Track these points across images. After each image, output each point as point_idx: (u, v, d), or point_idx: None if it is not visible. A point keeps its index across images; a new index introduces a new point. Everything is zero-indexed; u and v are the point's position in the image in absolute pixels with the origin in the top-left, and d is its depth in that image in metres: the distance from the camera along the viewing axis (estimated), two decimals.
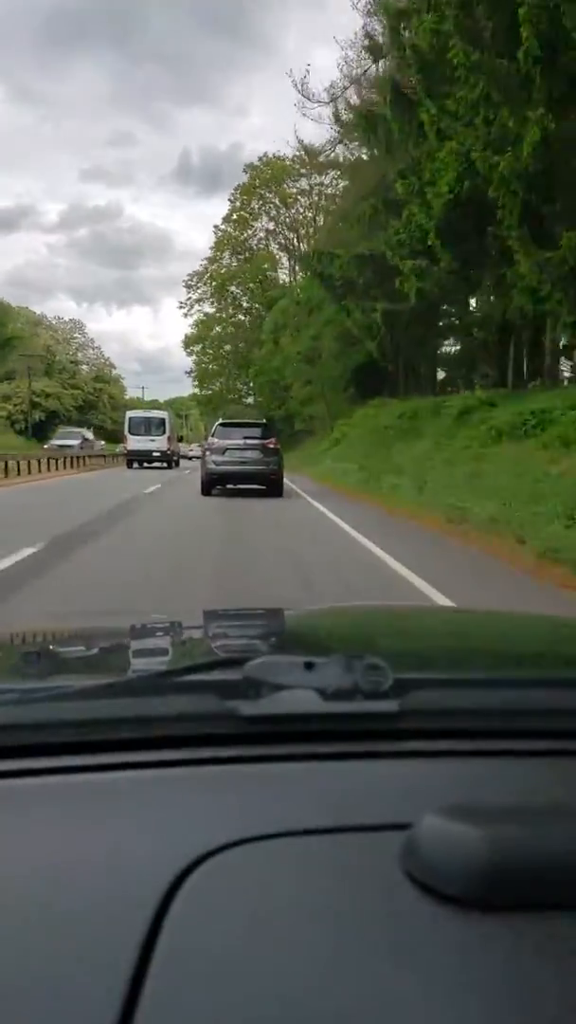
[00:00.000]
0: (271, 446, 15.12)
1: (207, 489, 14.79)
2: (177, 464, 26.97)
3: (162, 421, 31.48)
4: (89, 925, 0.50)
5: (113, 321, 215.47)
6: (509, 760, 0.75)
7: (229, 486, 14.85)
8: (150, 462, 29.51)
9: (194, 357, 58.85)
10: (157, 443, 30.01)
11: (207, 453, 15.19)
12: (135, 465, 29.45)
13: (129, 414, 33.50)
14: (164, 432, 30.45)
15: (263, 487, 14.78)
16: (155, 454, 29.71)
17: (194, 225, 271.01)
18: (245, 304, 56.78)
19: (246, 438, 15.02)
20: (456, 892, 0.50)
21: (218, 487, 15.00)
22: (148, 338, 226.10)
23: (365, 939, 0.49)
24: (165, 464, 29.21)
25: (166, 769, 0.70)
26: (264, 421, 19.18)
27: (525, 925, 0.49)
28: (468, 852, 0.51)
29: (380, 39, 20.03)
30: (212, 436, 15.44)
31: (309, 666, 0.76)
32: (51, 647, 1.29)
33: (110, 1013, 0.43)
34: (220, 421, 17.24)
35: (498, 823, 0.55)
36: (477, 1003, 0.45)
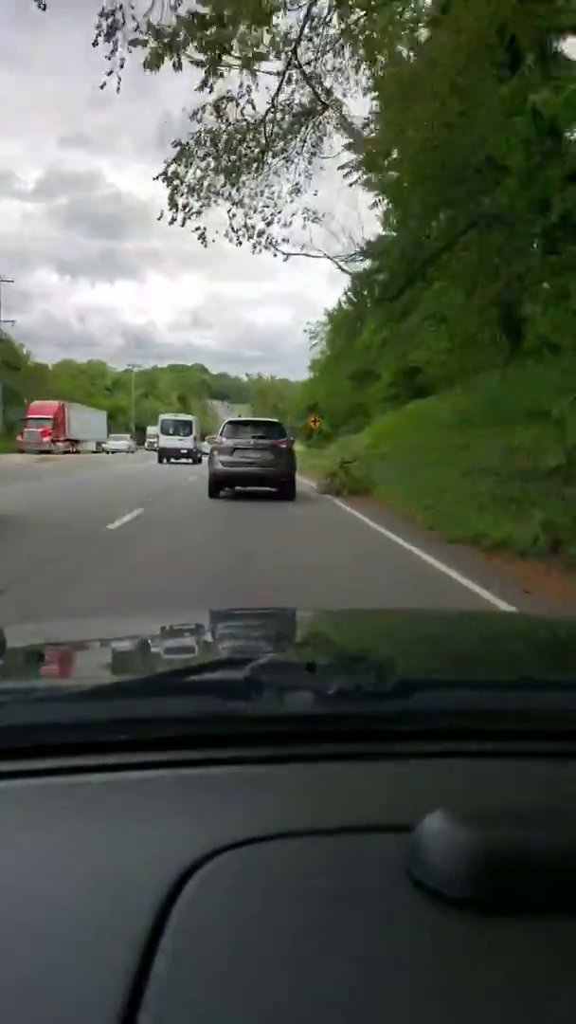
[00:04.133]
0: (283, 446, 14.45)
1: (214, 491, 14.17)
2: (199, 460, 29.59)
3: (189, 423, 37.42)
4: (92, 926, 0.50)
5: (98, 295, 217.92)
6: (510, 761, 0.75)
7: (238, 488, 14.29)
8: (178, 458, 34.26)
9: None
10: (184, 442, 35.36)
11: (214, 453, 14.60)
12: (165, 460, 34.32)
13: (162, 417, 40.12)
14: (190, 433, 35.96)
15: (274, 490, 14.16)
16: (183, 451, 34.80)
17: None
18: None
19: (256, 438, 14.42)
20: (457, 893, 0.50)
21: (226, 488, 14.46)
22: (134, 313, 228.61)
23: (367, 940, 0.49)
24: (191, 460, 33.31)
25: (168, 770, 0.70)
26: (276, 420, 17.88)
27: (526, 926, 0.49)
28: (469, 853, 0.51)
29: None
30: (220, 435, 14.77)
31: (311, 667, 0.76)
32: (53, 648, 1.29)
33: (113, 1014, 0.43)
34: (228, 420, 16.62)
35: (499, 825, 0.55)
36: (478, 1004, 0.45)
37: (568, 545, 7.09)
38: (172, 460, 34.05)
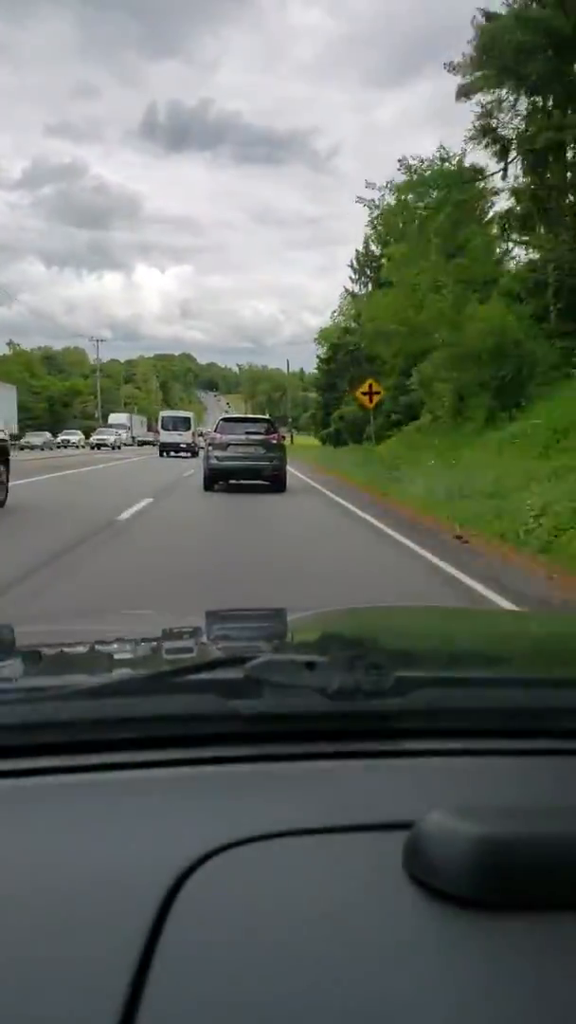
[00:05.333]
0: (274, 441, 15.25)
1: (209, 484, 14.90)
2: (196, 454, 31.78)
3: (187, 419, 40.59)
4: (92, 923, 0.50)
5: (86, 287, 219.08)
6: (510, 759, 0.75)
7: (232, 481, 14.99)
8: (177, 451, 36.79)
9: None
10: (183, 437, 37.86)
11: (209, 448, 15.32)
12: (164, 454, 36.67)
13: (162, 414, 43.54)
14: (189, 428, 38.97)
15: (266, 483, 14.89)
16: (182, 445, 37.21)
17: (164, 188, 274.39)
18: None
19: (249, 433, 15.12)
20: (457, 891, 0.50)
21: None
22: (122, 305, 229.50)
23: (366, 938, 0.49)
24: (189, 454, 35.49)
25: (168, 769, 0.70)
26: (267, 417, 19.15)
27: (526, 924, 0.49)
28: (469, 851, 0.51)
29: None
30: (215, 431, 15.48)
31: (311, 666, 0.76)
32: (53, 647, 1.29)
33: (112, 1012, 0.43)
34: (222, 416, 17.23)
35: (499, 822, 0.55)
36: (478, 1002, 0.45)
37: None
38: (172, 454, 36.86)
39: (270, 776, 0.71)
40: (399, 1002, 0.45)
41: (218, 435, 15.12)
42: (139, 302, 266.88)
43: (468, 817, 0.54)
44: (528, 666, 1.16)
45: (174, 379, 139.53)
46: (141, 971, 0.46)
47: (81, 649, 1.31)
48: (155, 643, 1.36)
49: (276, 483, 14.96)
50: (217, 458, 14.83)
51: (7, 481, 10.15)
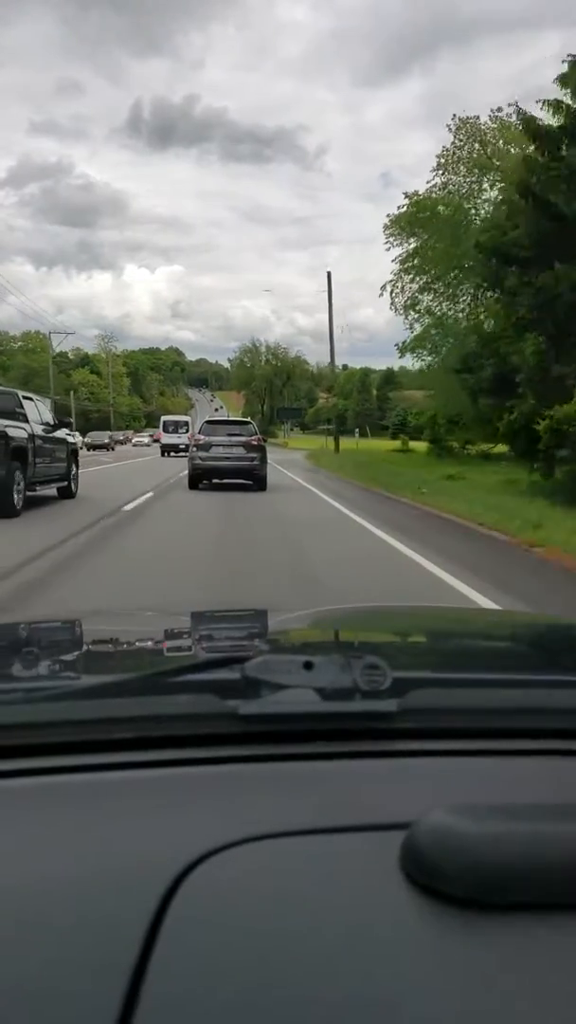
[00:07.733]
0: (255, 443, 16.29)
1: (193, 483, 15.93)
2: None
3: (186, 423, 45.48)
4: (90, 925, 0.50)
5: (74, 287, 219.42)
6: (508, 759, 0.75)
7: (215, 480, 15.97)
8: (177, 452, 40.45)
9: None
10: (183, 439, 41.40)
11: (194, 449, 16.45)
12: (165, 454, 41.08)
13: (163, 418, 49.06)
14: (187, 431, 42.15)
15: (248, 482, 15.86)
16: (181, 447, 40.36)
17: (152, 187, 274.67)
18: None
19: (231, 435, 16.19)
20: (455, 891, 0.50)
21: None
22: (111, 305, 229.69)
23: (364, 938, 0.49)
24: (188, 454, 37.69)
25: (165, 769, 0.70)
26: (249, 420, 20.68)
27: (524, 925, 0.49)
28: (467, 851, 0.51)
29: None
30: (199, 433, 16.58)
31: (308, 665, 0.76)
32: (50, 646, 1.29)
33: (111, 1012, 0.43)
34: (206, 419, 18.53)
35: (497, 823, 0.55)
36: (475, 1002, 0.45)
37: None
38: (172, 454, 40.88)
39: (267, 776, 0.70)
40: (397, 1003, 0.45)
41: (202, 437, 16.23)
42: (129, 302, 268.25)
43: (465, 818, 0.54)
44: (525, 666, 1.16)
45: (151, 370, 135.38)
46: (139, 972, 0.46)
47: (78, 649, 1.31)
48: (152, 643, 1.37)
49: (257, 482, 15.89)
50: (201, 458, 15.86)
51: (77, 476, 13.21)
